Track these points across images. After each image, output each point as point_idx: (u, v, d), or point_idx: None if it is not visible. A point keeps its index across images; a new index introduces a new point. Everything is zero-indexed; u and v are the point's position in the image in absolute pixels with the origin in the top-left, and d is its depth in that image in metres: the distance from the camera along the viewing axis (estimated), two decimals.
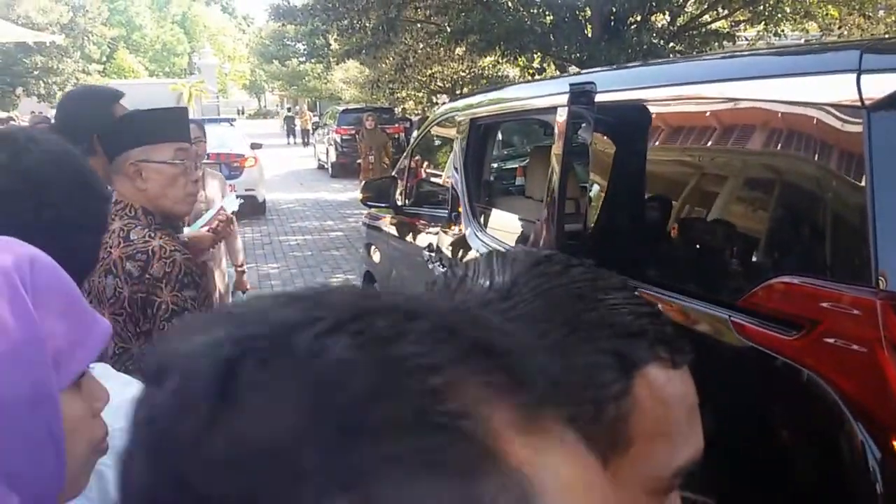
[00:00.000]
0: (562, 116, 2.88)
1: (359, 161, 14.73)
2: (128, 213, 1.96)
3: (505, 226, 3.74)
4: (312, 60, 22.73)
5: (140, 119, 2.06)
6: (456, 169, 4.02)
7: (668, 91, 2.49)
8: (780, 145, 1.99)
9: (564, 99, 2.86)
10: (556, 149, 2.92)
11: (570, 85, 2.88)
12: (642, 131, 2.53)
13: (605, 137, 2.74)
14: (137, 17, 71.14)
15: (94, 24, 36.76)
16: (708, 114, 2.31)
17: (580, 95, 2.79)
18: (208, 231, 2.75)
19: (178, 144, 2.06)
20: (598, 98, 2.74)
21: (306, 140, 32.58)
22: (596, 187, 2.77)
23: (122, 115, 2.15)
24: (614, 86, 2.81)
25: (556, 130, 2.96)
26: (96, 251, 1.31)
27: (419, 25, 15.69)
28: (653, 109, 2.54)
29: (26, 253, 0.78)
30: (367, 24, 14.17)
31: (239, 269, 4.45)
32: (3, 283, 0.74)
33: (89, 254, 1.26)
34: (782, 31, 13.48)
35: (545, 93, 3.23)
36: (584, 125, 2.83)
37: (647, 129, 2.51)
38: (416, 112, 24.05)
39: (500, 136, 5.77)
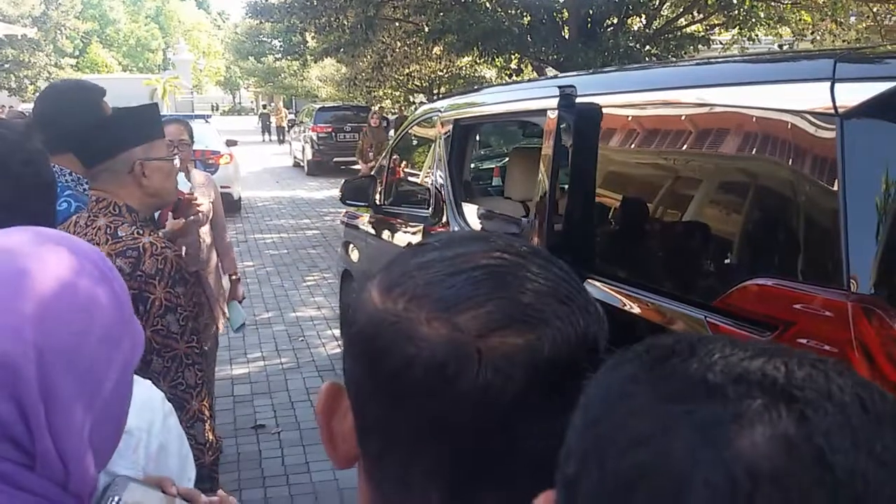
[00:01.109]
0: (553, 118, 2.90)
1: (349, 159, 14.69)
2: (112, 210, 1.96)
3: (490, 225, 3.77)
4: (289, 58, 22.63)
5: (134, 117, 2.06)
6: (440, 168, 4.04)
7: (648, 96, 2.53)
8: (756, 151, 2.04)
9: (555, 101, 2.89)
10: (546, 149, 2.94)
11: (559, 87, 2.91)
12: (624, 135, 2.58)
13: (587, 141, 2.78)
14: (111, 12, 70.33)
15: (66, 18, 36.31)
16: (687, 119, 2.35)
17: (570, 97, 2.82)
18: (175, 218, 2.79)
19: (166, 140, 2.11)
20: (578, 101, 2.79)
21: (282, 137, 32.43)
22: (576, 189, 2.81)
23: (106, 114, 2.13)
24: (595, 90, 2.85)
25: (546, 132, 2.97)
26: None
27: (397, 24, 15.73)
28: (633, 113, 2.58)
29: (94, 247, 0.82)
30: (345, 23, 14.18)
31: (233, 277, 4.26)
32: (93, 269, 0.77)
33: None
34: (756, 35, 13.65)
35: (536, 95, 3.25)
36: (570, 127, 2.85)
37: (630, 133, 2.55)
38: (392, 111, 24.04)
39: (478, 138, 5.80)
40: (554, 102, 2.88)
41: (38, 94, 2.60)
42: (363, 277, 0.63)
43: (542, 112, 3.02)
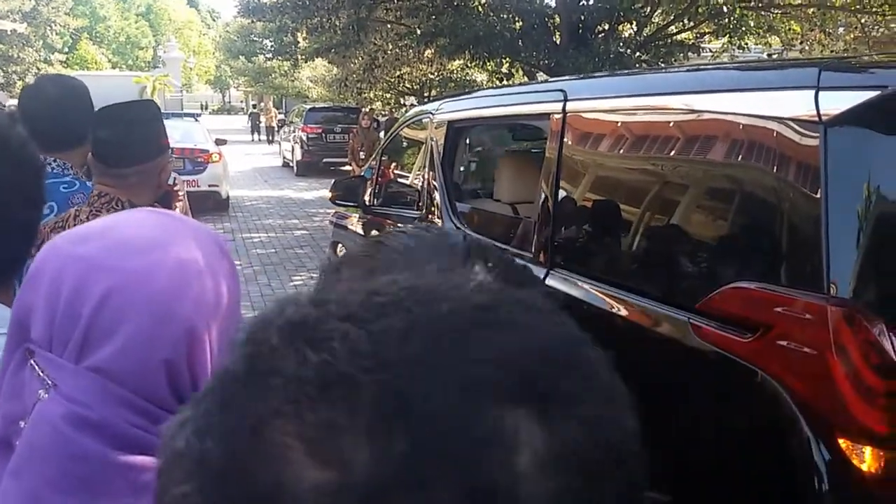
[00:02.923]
0: (557, 121, 2.90)
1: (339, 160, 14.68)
2: (115, 206, 1.97)
3: (484, 226, 3.80)
4: (279, 58, 22.61)
5: (163, 120, 2.11)
6: (433, 169, 4.07)
7: (636, 101, 2.57)
8: (741, 157, 2.08)
9: (559, 104, 2.90)
10: (550, 153, 2.94)
11: (563, 91, 2.93)
12: (613, 139, 2.61)
13: (576, 144, 2.81)
14: (102, 9, 70.05)
15: (57, 14, 36.13)
16: (674, 125, 2.39)
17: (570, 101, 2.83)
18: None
19: None
20: (569, 106, 2.82)
21: (271, 137, 32.36)
22: (564, 193, 2.84)
23: (139, 113, 2.10)
24: (587, 94, 2.88)
25: (550, 134, 2.98)
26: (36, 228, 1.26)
27: (389, 26, 15.73)
28: (622, 119, 2.62)
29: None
30: (337, 24, 14.16)
31: None
32: (218, 252, 0.82)
33: (34, 230, 1.20)
34: (746, 44, 13.74)
35: (538, 99, 3.25)
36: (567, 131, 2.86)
37: (619, 138, 2.59)
38: (383, 113, 24.04)
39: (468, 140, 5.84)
40: (557, 106, 2.89)
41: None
42: None
43: (545, 115, 3.03)
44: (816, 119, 1.82)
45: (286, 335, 0.35)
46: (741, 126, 2.08)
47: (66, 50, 46.78)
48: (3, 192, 1.08)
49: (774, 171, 1.94)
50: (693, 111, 2.29)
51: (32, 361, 0.74)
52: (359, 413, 0.32)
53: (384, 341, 0.34)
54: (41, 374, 0.73)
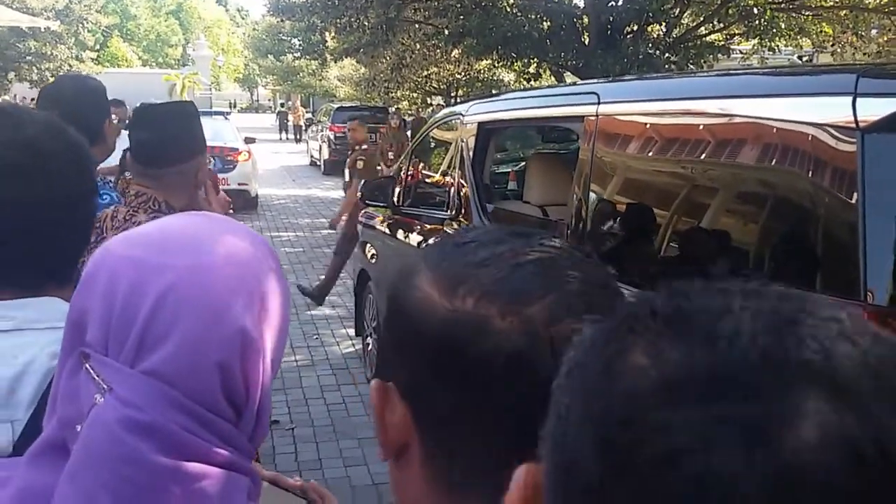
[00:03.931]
0: (591, 123, 2.90)
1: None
2: (152, 205, 1.99)
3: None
4: (307, 57, 22.74)
5: (200, 122, 2.12)
6: (463, 170, 4.09)
7: (671, 105, 2.57)
8: (776, 162, 2.07)
9: (592, 107, 2.90)
10: (583, 155, 2.94)
11: (597, 93, 2.93)
12: (649, 143, 2.61)
13: (610, 147, 2.81)
14: (132, 7, 70.79)
15: (89, 12, 36.55)
16: (708, 128, 2.39)
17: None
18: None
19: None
20: (602, 108, 2.82)
21: (298, 136, 32.52)
22: (597, 195, 2.84)
23: (174, 113, 2.13)
24: (619, 97, 2.88)
25: (584, 135, 2.98)
26: (93, 223, 1.30)
27: (417, 26, 15.77)
28: (655, 121, 2.62)
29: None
30: (366, 23, 14.23)
31: None
32: (267, 253, 0.83)
33: (91, 225, 1.24)
34: (776, 46, 13.63)
35: (572, 102, 3.25)
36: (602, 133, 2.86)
37: (655, 142, 2.59)
38: (410, 112, 24.11)
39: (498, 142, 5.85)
40: (591, 108, 2.90)
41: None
42: (404, 275, 0.67)
43: (578, 118, 3.04)
44: (854, 125, 1.81)
45: None
46: (778, 131, 2.08)
47: (98, 47, 47.29)
48: (68, 186, 1.10)
49: (810, 176, 1.94)
50: (729, 115, 2.29)
51: (88, 365, 0.75)
52: None
53: None
54: (96, 377, 0.74)
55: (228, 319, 0.75)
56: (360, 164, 8.56)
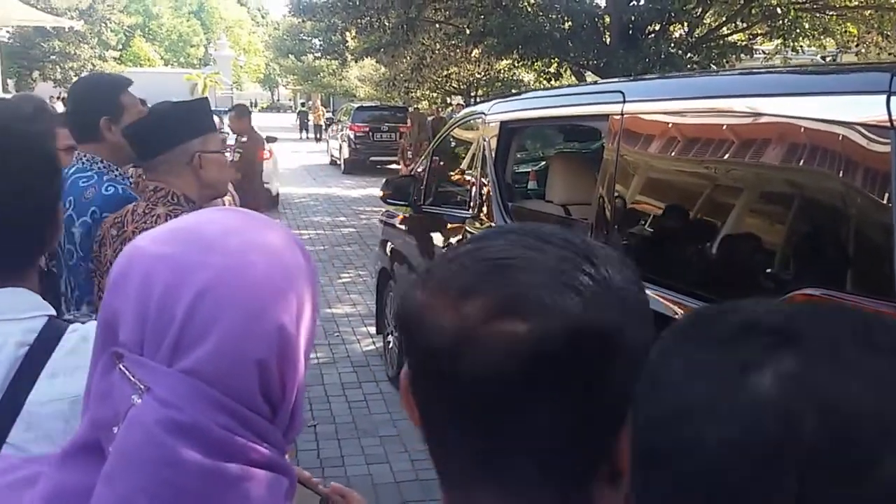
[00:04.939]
0: (616, 122, 2.89)
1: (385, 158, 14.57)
2: (171, 199, 2.02)
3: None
4: (328, 57, 22.79)
5: (189, 111, 2.14)
6: (484, 169, 4.08)
7: (698, 104, 2.54)
8: (807, 161, 2.05)
9: (618, 106, 2.88)
10: (608, 154, 2.93)
11: (622, 92, 2.91)
12: (672, 142, 2.59)
13: (635, 146, 2.79)
14: (155, 7, 71.28)
15: (112, 12, 36.91)
16: (737, 128, 2.36)
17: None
18: None
19: (220, 134, 2.17)
20: (627, 107, 2.80)
21: (319, 135, 32.64)
22: (622, 194, 2.82)
23: (160, 108, 2.18)
24: (645, 95, 2.86)
25: (609, 134, 2.96)
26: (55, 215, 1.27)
27: (438, 26, 15.76)
28: (681, 120, 2.59)
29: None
30: (387, 23, 14.25)
31: None
32: (298, 250, 0.83)
33: (52, 217, 1.22)
34: (800, 46, 13.50)
35: (596, 100, 3.24)
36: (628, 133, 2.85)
37: (683, 141, 2.56)
38: (429, 112, 24.13)
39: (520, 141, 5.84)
40: (616, 108, 2.88)
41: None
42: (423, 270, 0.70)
43: (603, 117, 3.03)
44: (888, 124, 1.78)
45: None
46: (808, 130, 2.05)
47: (120, 47, 47.67)
48: (11, 180, 1.11)
49: (842, 176, 1.91)
50: (758, 114, 2.26)
51: (122, 366, 0.73)
52: None
53: None
54: (132, 378, 0.72)
55: (267, 316, 0.75)
56: (236, 157, 8.14)
